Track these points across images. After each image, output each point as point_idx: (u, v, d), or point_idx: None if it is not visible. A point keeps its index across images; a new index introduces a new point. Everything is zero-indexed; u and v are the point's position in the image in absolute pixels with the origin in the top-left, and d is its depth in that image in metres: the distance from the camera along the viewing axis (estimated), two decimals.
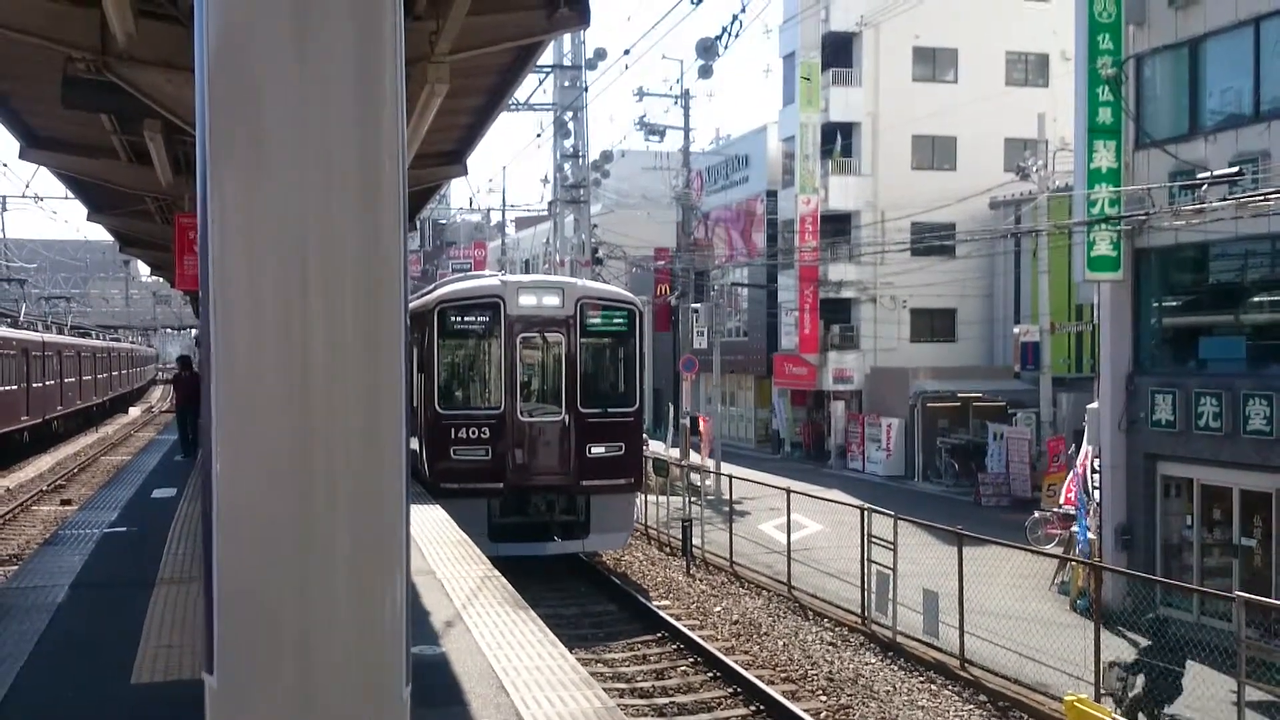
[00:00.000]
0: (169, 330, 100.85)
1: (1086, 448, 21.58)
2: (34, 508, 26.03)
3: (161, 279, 45.27)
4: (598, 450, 18.99)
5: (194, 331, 77.18)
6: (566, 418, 18.95)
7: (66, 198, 22.31)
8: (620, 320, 19.65)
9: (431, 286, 23.78)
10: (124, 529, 13.77)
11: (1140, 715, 12.75)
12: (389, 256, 1.85)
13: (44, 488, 29.00)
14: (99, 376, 52.78)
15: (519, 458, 18.74)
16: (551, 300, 19.23)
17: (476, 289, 19.95)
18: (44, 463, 35.97)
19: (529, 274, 39.97)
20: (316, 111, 1.78)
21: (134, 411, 64.89)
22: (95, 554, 12.02)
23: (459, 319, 19.14)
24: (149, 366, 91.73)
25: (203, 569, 1.85)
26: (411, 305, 20.02)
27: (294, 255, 1.78)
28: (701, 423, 33.18)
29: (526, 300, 19.10)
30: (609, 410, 19.25)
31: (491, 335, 19.01)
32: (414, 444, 18.62)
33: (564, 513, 19.37)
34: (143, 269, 69.94)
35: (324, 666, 1.78)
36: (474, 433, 18.60)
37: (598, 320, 19.44)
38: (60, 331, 49.77)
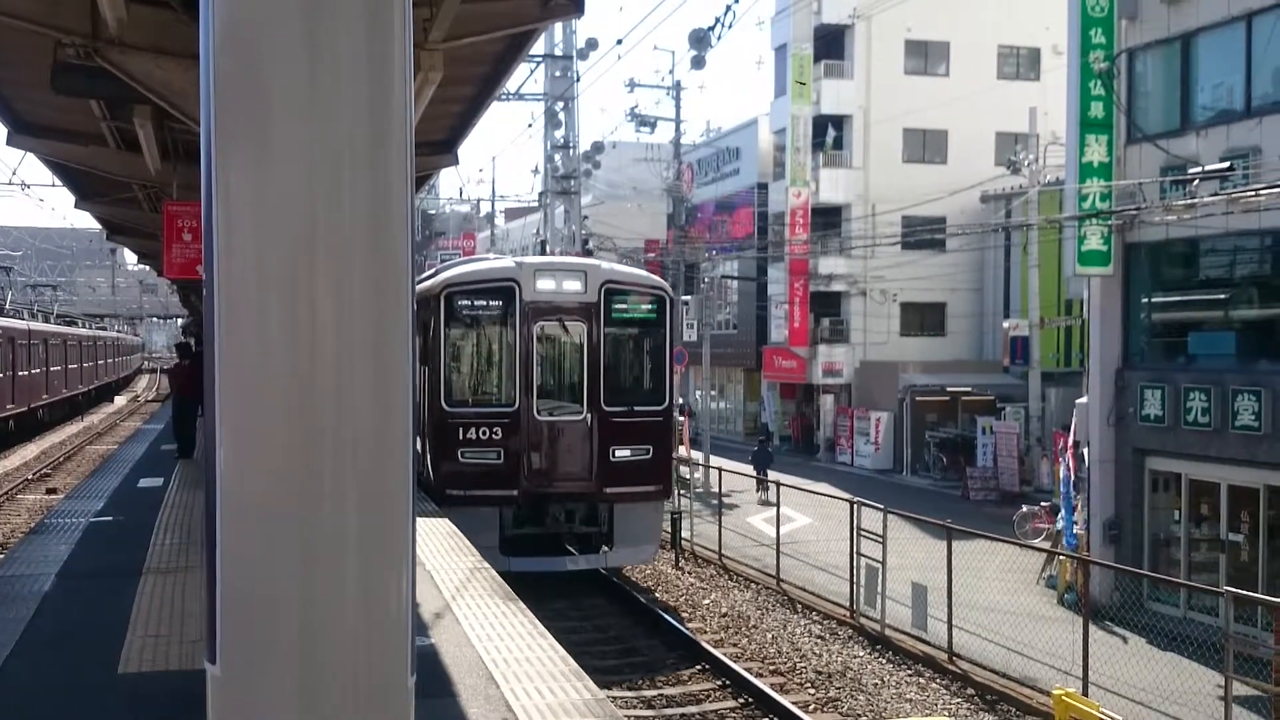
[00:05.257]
0: (155, 319, 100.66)
1: (1073, 441, 21.63)
2: (19, 496, 25.91)
3: (149, 267, 45.16)
4: (623, 453, 17.15)
5: (180, 321, 77.01)
6: (588, 417, 17.10)
7: (54, 185, 22.19)
8: (649, 307, 17.66)
9: (434, 270, 21.64)
10: (110, 518, 13.70)
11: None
12: (396, 245, 1.82)
13: (29, 476, 28.87)
14: (85, 365, 52.57)
15: (535, 461, 16.91)
16: (572, 284, 17.28)
17: (488, 271, 17.98)
18: (29, 451, 35.83)
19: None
20: (324, 98, 1.75)
21: (120, 400, 64.66)
22: (81, 543, 11.95)
23: (469, 305, 17.27)
24: (135, 355, 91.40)
25: (205, 558, 1.82)
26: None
27: (301, 244, 1.75)
28: (683, 418, 32.99)
29: (544, 284, 17.15)
30: (635, 408, 17.37)
31: (505, 323, 17.09)
32: (417, 445, 17.66)
33: (585, 523, 17.47)
34: (130, 257, 69.83)
35: (329, 655, 1.76)
36: (485, 433, 16.77)
37: (624, 307, 17.49)
38: (46, 320, 49.51)
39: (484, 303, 17.29)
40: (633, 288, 17.80)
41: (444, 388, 16.88)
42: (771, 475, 24.07)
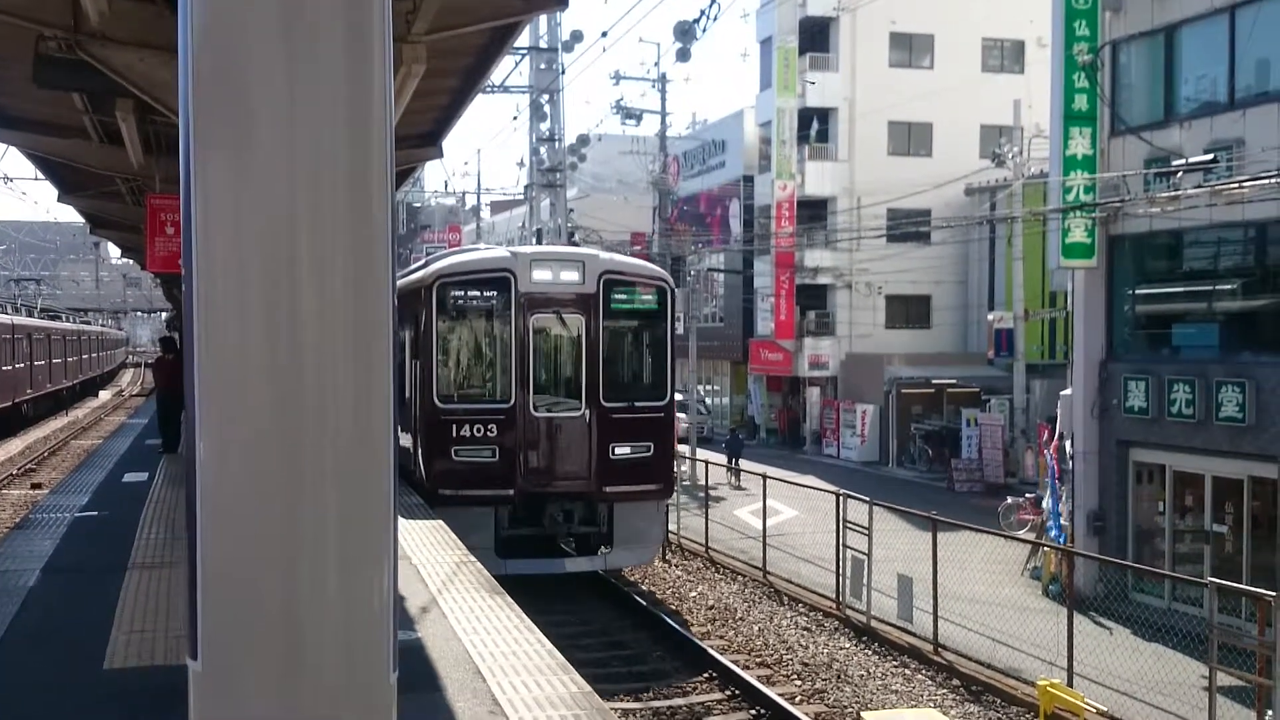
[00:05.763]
0: (139, 313, 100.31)
1: (1057, 433, 21.71)
2: (4, 492, 25.80)
3: (132, 261, 44.95)
4: (622, 451, 16.50)
5: (164, 315, 76.78)
6: (586, 413, 16.41)
7: (36, 178, 22.12)
8: (650, 299, 17.00)
9: (422, 262, 21.00)
10: (95, 513, 13.64)
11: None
12: (377, 239, 1.81)
13: (14, 472, 28.74)
14: (69, 360, 52.33)
15: (532, 459, 16.26)
16: (570, 275, 16.56)
17: (482, 261, 17.35)
18: (14, 446, 35.66)
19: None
20: (304, 92, 1.74)
21: (104, 395, 64.42)
22: (66, 538, 11.90)
23: (461, 296, 16.51)
24: (119, 350, 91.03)
25: (186, 554, 1.81)
26: (404, 281, 18.32)
27: (280, 238, 1.74)
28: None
29: (541, 275, 16.44)
30: (636, 404, 16.76)
31: (500, 316, 16.39)
32: (407, 443, 16.91)
33: (583, 523, 16.82)
34: (113, 251, 69.49)
35: (311, 652, 1.75)
36: (479, 430, 16.09)
37: (624, 299, 16.80)
38: (30, 314, 49.27)
39: (478, 294, 16.59)
40: (632, 278, 17.13)
41: (436, 383, 16.21)
42: (758, 468, 24.24)
